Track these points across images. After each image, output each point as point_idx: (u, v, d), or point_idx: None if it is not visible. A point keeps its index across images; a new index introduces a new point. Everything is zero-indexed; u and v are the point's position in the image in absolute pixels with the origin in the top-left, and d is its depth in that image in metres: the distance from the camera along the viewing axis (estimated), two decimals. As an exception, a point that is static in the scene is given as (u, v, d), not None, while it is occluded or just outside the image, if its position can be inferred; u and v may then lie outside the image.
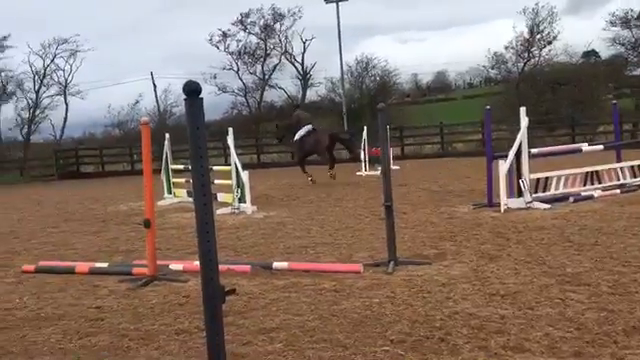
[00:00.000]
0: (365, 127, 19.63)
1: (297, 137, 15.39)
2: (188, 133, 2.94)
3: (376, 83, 37.20)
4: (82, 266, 6.45)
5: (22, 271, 6.60)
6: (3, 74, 33.18)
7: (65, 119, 35.10)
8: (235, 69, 36.38)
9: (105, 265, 6.50)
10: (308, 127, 15.28)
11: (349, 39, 64.61)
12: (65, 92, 35.05)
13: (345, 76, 34.96)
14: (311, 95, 38.38)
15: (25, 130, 33.98)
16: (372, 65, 37.08)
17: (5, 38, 32.76)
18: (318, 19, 46.77)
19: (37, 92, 34.18)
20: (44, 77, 34.33)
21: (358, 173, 18.11)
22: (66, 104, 35.00)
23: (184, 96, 2.96)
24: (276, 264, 6.06)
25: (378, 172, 17.38)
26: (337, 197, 12.30)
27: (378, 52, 62.16)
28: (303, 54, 36.87)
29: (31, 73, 33.74)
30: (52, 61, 34.34)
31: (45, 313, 4.93)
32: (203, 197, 2.96)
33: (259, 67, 36.82)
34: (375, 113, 29.51)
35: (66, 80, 34.97)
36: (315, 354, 3.62)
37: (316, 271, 5.78)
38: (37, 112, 34.26)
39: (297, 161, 16.21)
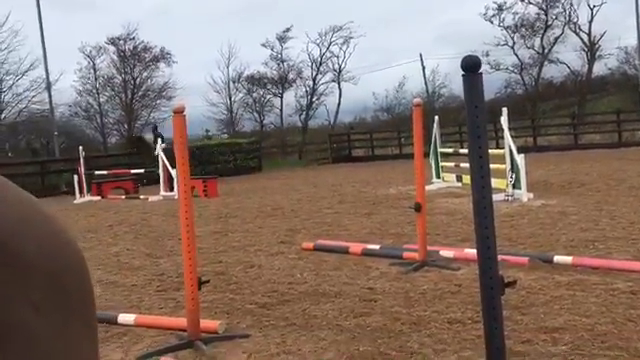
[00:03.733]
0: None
1: (157, 152, 18.41)
2: (466, 111, 2.89)
3: (686, 50, 32.28)
4: (355, 247, 6.88)
5: (302, 248, 7.30)
6: (285, 64, 37.12)
7: (338, 104, 37.89)
8: (510, 44, 34.99)
9: (377, 247, 6.83)
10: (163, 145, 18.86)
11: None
12: (339, 78, 37.78)
13: (643, 44, 31.04)
14: (599, 69, 35.01)
15: (303, 116, 37.63)
16: (681, 29, 32.23)
17: (288, 30, 36.52)
18: (608, -20, 42.53)
19: (314, 79, 37.49)
20: (320, 65, 37.45)
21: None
22: (339, 90, 37.75)
23: (460, 71, 2.92)
24: (558, 258, 5.68)
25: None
26: (632, 185, 11.04)
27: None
28: (590, 22, 33.70)
29: (309, 61, 37.14)
30: (327, 49, 37.27)
31: (323, 289, 5.38)
32: (481, 179, 2.87)
33: (537, 40, 34.76)
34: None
35: (340, 66, 37.68)
36: (608, 363, 3.29)
37: (607, 269, 5.26)
38: (314, 99, 37.63)
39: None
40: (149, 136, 20.08)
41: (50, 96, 25.66)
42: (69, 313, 0.42)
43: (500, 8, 34.69)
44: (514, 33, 34.87)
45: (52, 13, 53.09)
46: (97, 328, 0.46)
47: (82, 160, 16.91)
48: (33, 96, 29.08)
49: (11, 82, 28.97)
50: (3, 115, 29.33)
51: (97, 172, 17.44)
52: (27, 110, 29.64)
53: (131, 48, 33.87)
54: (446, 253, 6.26)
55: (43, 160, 23.61)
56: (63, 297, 0.42)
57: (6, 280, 0.38)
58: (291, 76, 37.40)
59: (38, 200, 0.44)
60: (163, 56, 34.56)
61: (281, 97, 37.52)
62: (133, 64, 34.15)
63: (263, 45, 36.93)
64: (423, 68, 38.12)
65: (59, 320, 0.41)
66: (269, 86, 37.50)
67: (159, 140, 18.26)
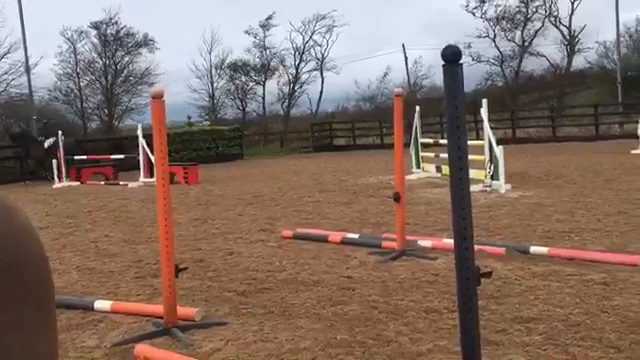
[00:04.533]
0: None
1: (47, 145, 18.19)
2: (445, 101, 2.87)
3: (662, 45, 32.69)
4: (335, 236, 6.88)
5: (282, 236, 7.28)
6: (268, 51, 36.90)
7: (320, 93, 37.84)
8: (491, 36, 35.17)
9: (356, 236, 6.83)
10: (53, 139, 17.97)
11: (628, -5, 57.43)
12: (321, 67, 37.67)
13: (622, 39, 31.36)
14: (578, 62, 35.33)
15: (285, 104, 37.49)
16: (658, 25, 32.60)
17: (270, 17, 36.28)
18: (590, -26, 42.83)
19: (297, 68, 37.35)
20: (303, 53, 37.32)
21: (634, 151, 16.21)
22: (322, 79, 37.66)
23: (442, 62, 2.90)
24: (534, 249, 5.72)
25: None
26: (608, 178, 11.18)
27: (665, 8, 54.21)
28: (570, 16, 34.00)
29: (292, 49, 36.99)
30: (311, 37, 37.13)
31: (301, 278, 5.36)
32: (459, 170, 2.86)
33: (518, 33, 35.02)
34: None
35: (323, 55, 37.57)
36: (581, 352, 3.32)
37: (582, 260, 5.32)
38: (296, 87, 37.50)
39: (37, 162, 18.64)
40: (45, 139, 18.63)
41: (29, 80, 25.18)
42: (27, 305, 0.40)
43: (482, 0, 34.81)
44: (495, 25, 35.06)
45: (32, -5, 52.01)
46: (56, 319, 0.45)
47: (61, 145, 16.69)
48: (12, 79, 28.62)
49: (-11, 64, 28.47)
50: (-19, 98, 28.82)
51: (76, 157, 17.21)
52: (5, 93, 29.17)
53: (113, 33, 33.42)
54: (424, 243, 6.28)
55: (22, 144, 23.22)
56: (21, 289, 0.40)
57: None
58: (274, 64, 37.21)
59: None
60: (146, 42, 34.17)
61: (263, 85, 37.33)
62: (115, 49, 33.69)
63: (246, 32, 36.69)
64: (405, 59, 38.23)
65: (16, 313, 0.39)
66: (252, 73, 37.28)
67: (50, 139, 17.82)
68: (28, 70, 25.19)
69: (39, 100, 29.90)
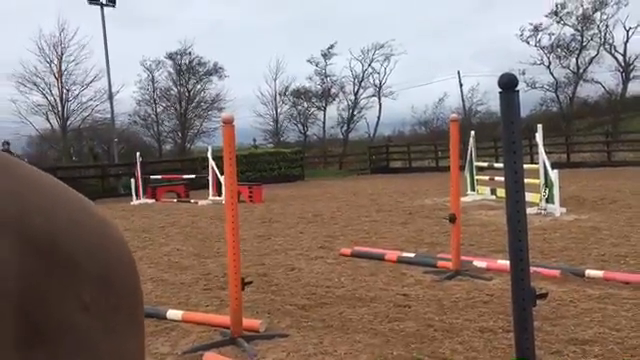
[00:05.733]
0: None
1: None
2: (502, 127, 2.83)
3: None
4: (391, 254, 6.82)
5: (340, 254, 7.28)
6: (328, 79, 37.27)
7: (378, 118, 37.82)
8: (546, 64, 34.35)
9: (412, 255, 6.75)
10: None
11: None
12: (379, 93, 37.69)
13: (680, 65, 30.02)
14: (633, 88, 34.02)
15: (344, 128, 37.66)
16: None
17: (331, 47, 36.67)
18: (646, 2, 41.21)
19: (356, 94, 37.49)
20: (362, 80, 37.46)
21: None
22: (379, 104, 37.67)
23: (498, 90, 2.87)
24: (589, 271, 5.51)
25: None
26: (665, 203, 10.66)
27: None
28: (625, 44, 32.86)
29: (351, 77, 37.22)
30: (369, 65, 37.26)
31: (359, 294, 5.34)
32: (515, 193, 2.81)
33: (573, 60, 34.05)
34: None
35: (380, 82, 37.60)
36: (638, 377, 3.17)
37: (638, 284, 5.08)
38: (355, 112, 37.62)
39: None
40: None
41: (112, 105, 26.35)
42: (117, 313, 0.41)
43: (536, 29, 34.13)
44: (550, 53, 34.24)
45: (117, 29, 54.60)
46: (144, 327, 0.45)
47: (139, 165, 17.27)
48: (96, 105, 29.95)
49: (77, 92, 29.91)
50: (69, 122, 30.24)
51: (152, 176, 17.76)
52: (90, 118, 30.51)
53: (187, 62, 34.54)
54: (479, 263, 6.15)
55: (104, 164, 24.23)
56: (112, 298, 0.41)
57: (58, 280, 0.37)
58: (334, 90, 37.52)
59: (89, 201, 0.43)
60: (216, 70, 35.12)
61: (324, 110, 37.64)
62: (188, 77, 34.79)
63: (308, 61, 37.18)
64: (461, 85, 37.83)
65: (107, 320, 0.40)
66: (313, 99, 37.67)
67: None
68: (111, 97, 26.35)
69: (120, 124, 31.14)
